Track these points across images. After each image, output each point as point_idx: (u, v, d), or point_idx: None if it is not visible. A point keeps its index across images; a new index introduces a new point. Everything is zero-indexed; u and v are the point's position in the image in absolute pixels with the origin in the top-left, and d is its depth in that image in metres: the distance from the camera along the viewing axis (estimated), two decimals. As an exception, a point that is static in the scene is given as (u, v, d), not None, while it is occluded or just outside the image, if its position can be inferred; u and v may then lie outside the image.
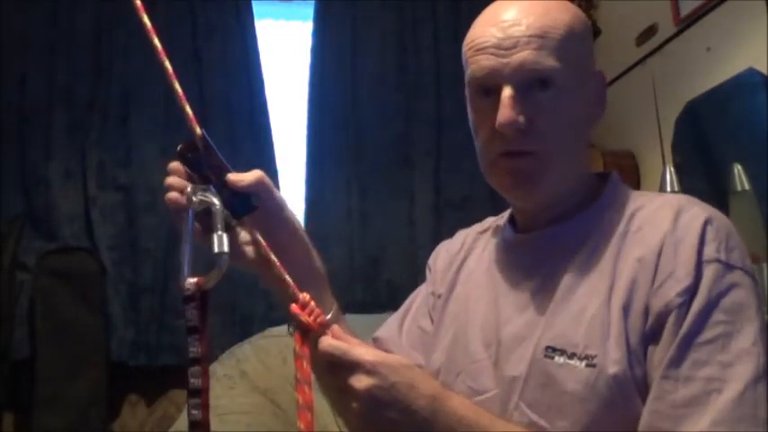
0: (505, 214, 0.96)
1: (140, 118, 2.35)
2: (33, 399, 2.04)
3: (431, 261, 1.05)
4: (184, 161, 0.72)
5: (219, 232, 0.65)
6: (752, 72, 1.59)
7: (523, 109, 0.77)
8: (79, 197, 2.29)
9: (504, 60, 0.78)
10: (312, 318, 0.71)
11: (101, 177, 2.32)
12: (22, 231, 2.20)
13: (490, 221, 1.01)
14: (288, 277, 0.73)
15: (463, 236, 1.03)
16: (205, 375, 0.62)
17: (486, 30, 0.80)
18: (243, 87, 2.44)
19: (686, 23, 1.86)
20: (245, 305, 2.33)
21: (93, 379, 2.12)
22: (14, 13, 2.30)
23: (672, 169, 1.83)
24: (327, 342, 0.71)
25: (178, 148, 0.71)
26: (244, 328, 2.28)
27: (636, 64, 2.10)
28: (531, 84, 0.78)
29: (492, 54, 0.78)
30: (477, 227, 1.02)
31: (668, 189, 1.81)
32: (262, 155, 2.42)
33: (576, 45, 0.81)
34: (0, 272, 2.09)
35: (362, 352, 0.69)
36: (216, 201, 0.67)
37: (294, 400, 0.65)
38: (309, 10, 2.57)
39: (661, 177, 1.85)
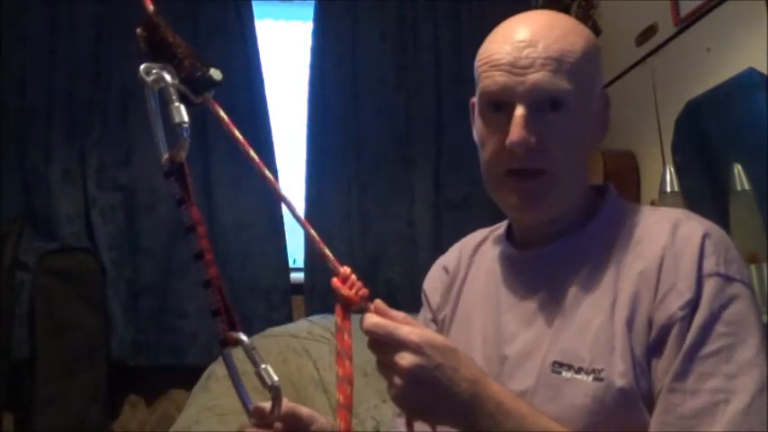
0: (500, 226, 0.97)
1: (140, 118, 2.34)
2: (33, 399, 2.04)
3: (425, 285, 1.03)
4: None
5: (176, 104, 0.65)
6: (752, 72, 1.58)
7: (535, 129, 0.78)
8: (79, 197, 2.29)
9: (519, 79, 0.78)
10: (353, 291, 0.72)
11: (101, 178, 2.32)
12: (22, 231, 2.21)
13: (483, 233, 1.01)
14: (327, 250, 0.73)
15: (459, 250, 1.02)
16: (203, 239, 0.63)
17: (501, 47, 0.81)
18: (243, 87, 2.44)
19: (686, 23, 1.86)
20: (245, 305, 2.33)
21: (93, 379, 2.12)
22: (14, 14, 2.30)
23: (672, 169, 1.83)
24: (372, 321, 0.71)
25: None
26: (244, 328, 2.27)
27: (636, 64, 2.10)
28: (543, 104, 0.79)
29: (507, 71, 0.79)
30: (471, 239, 1.02)
31: (668, 189, 1.81)
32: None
33: (589, 68, 0.82)
34: (0, 272, 2.09)
35: (407, 331, 0.69)
36: (166, 76, 0.68)
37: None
38: (309, 10, 2.57)
39: (661, 177, 1.85)
